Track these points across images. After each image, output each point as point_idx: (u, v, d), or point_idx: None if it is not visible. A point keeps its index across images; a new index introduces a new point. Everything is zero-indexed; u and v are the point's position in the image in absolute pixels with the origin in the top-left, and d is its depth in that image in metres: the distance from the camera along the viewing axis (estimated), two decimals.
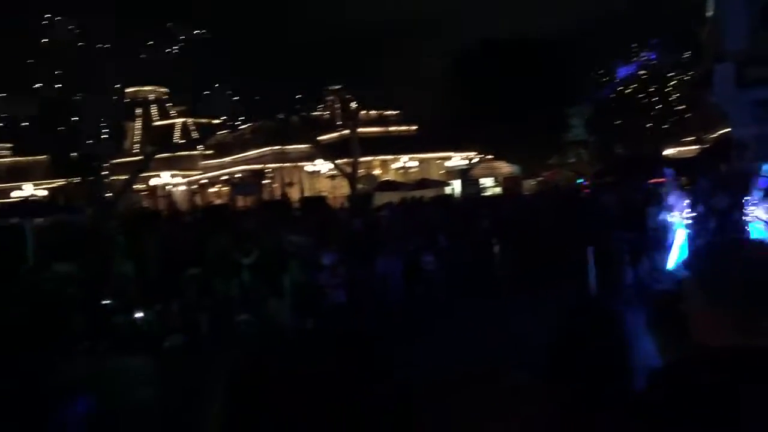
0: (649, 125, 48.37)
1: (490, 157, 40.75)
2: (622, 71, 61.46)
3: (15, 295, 10.02)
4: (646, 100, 50.76)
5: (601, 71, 65.26)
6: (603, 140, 47.75)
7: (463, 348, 7.38)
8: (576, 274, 11.88)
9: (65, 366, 2.88)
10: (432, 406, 1.57)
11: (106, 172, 20.21)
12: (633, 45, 77.78)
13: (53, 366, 2.91)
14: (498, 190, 39.36)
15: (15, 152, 54.97)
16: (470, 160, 42.41)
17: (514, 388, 1.54)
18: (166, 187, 48.95)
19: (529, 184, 37.69)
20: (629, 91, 52.38)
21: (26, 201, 29.31)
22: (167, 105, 53.49)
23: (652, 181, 17.31)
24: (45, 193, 46.23)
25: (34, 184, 47.85)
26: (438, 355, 7.56)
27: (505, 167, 40.57)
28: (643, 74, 54.35)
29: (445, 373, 1.64)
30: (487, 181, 40.85)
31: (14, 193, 43.34)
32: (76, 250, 15.53)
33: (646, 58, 65.54)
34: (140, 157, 34.90)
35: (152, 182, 46.86)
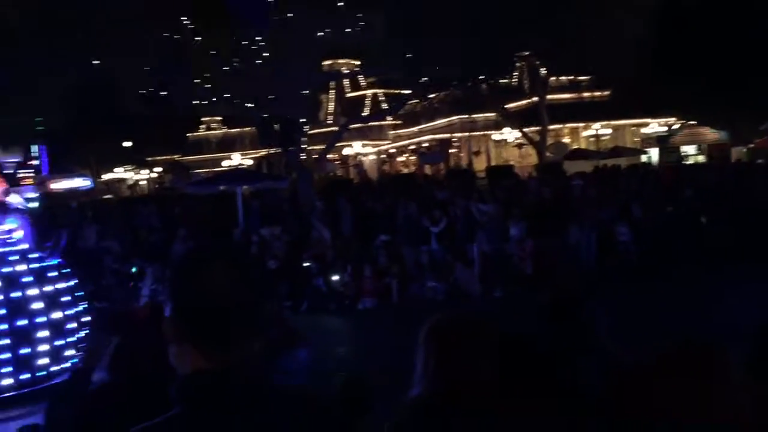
0: None
1: (692, 123, 37.73)
2: None
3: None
4: None
5: None
6: None
7: (662, 325, 6.96)
8: None
9: (285, 321, 3.16)
10: (641, 384, 1.54)
11: (305, 142, 21.49)
12: None
13: (278, 321, 3.23)
14: (701, 158, 36.39)
15: (225, 125, 60.10)
16: (669, 126, 39.54)
17: (725, 371, 1.48)
18: (357, 157, 50.93)
19: (739, 152, 34.41)
20: None
21: (235, 170, 31.98)
22: (359, 77, 55.39)
23: None
24: (251, 162, 50.17)
25: (242, 154, 52.07)
26: (633, 331, 7.21)
27: (710, 134, 37.34)
28: None
29: (649, 350, 1.59)
30: (689, 149, 37.89)
31: (224, 162, 47.49)
32: (279, 216, 16.75)
33: None
34: (334, 128, 36.61)
35: (344, 152, 48.98)
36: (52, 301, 7.72)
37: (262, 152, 51.78)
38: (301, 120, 19.56)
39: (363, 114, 45.94)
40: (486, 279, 12.35)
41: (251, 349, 1.37)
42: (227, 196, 19.42)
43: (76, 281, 8.24)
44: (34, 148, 65.88)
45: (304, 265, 12.86)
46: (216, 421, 1.30)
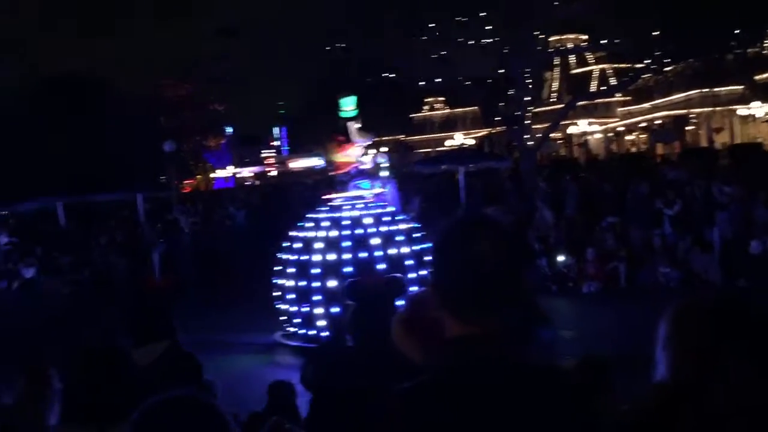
0: None
1: None
2: None
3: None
4: None
5: None
6: None
7: None
8: None
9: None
10: None
11: (528, 121, 21.13)
12: None
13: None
14: None
15: (448, 105, 61.00)
16: None
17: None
18: (583, 136, 48.99)
19: None
20: None
21: (458, 149, 32.41)
22: (585, 52, 53.05)
23: None
24: (472, 141, 50.48)
25: (464, 134, 52.57)
26: None
27: None
28: None
29: None
30: None
31: (447, 142, 48.30)
32: (502, 196, 16.69)
33: None
34: (559, 106, 35.51)
35: (569, 130, 47.36)
36: (420, 260, 8.78)
37: (485, 131, 51.83)
38: (525, 98, 19.21)
39: (590, 91, 44.02)
40: (727, 266, 11.32)
41: (509, 319, 1.40)
42: (450, 175, 19.78)
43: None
44: (276, 130, 72.27)
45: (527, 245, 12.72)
46: (467, 387, 1.34)
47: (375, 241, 8.92)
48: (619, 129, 52.25)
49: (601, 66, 51.33)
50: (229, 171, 59.94)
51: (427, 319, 1.53)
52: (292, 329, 9.33)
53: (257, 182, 56.92)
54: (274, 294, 9.64)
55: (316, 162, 62.72)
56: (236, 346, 9.56)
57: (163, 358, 3.34)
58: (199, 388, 2.93)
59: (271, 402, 4.76)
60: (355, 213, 9.32)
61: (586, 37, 55.35)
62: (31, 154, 39.16)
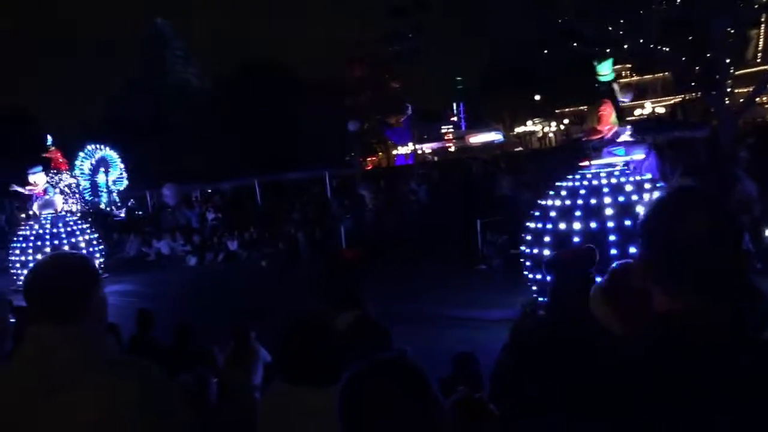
0: None
1: None
2: None
3: None
4: None
5: None
6: None
7: None
8: None
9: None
10: None
11: (729, 85, 19.33)
12: None
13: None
14: None
15: (637, 72, 57.51)
16: None
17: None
18: None
19: None
20: None
21: (648, 119, 30.55)
22: None
23: None
24: (663, 110, 47.29)
25: (653, 102, 49.41)
26: None
27: None
28: None
29: None
30: None
31: (636, 111, 45.64)
32: (697, 167, 15.51)
33: None
34: (764, 67, 32.14)
35: None
36: None
37: (678, 99, 48.39)
38: (726, 60, 17.51)
39: None
40: None
41: (722, 296, 1.34)
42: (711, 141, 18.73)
43: None
44: (454, 106, 72.45)
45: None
46: (677, 361, 1.30)
47: (608, 211, 8.84)
48: None
49: None
50: (409, 148, 61.20)
51: (629, 290, 1.50)
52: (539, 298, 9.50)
53: (435, 158, 57.58)
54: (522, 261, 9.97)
55: (494, 137, 62.17)
56: (417, 319, 9.84)
57: (354, 327, 3.52)
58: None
59: (455, 371, 4.87)
60: (594, 182, 9.30)
61: None
62: (231, 137, 42.57)
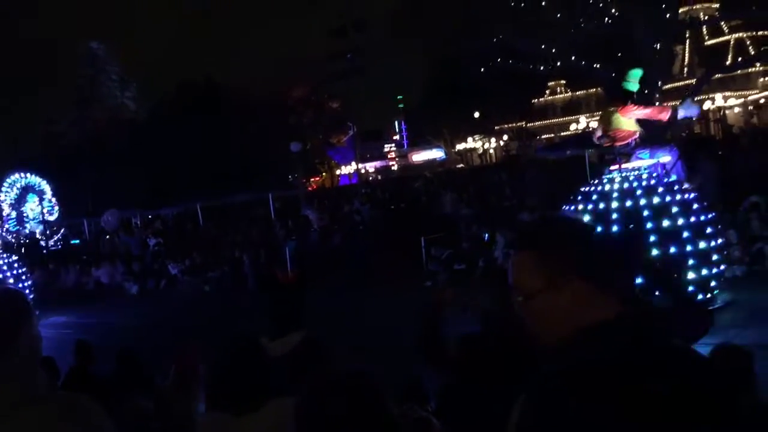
0: None
1: None
2: None
3: None
4: None
5: None
6: None
7: None
8: None
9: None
10: None
11: (658, 99, 20.02)
12: None
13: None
14: None
15: (571, 88, 59.07)
16: None
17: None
18: (720, 111, 45.95)
19: None
20: None
21: (583, 133, 31.43)
22: (719, 22, 49.66)
23: None
24: (595, 125, 48.64)
25: (588, 116, 50.80)
26: None
27: None
28: None
29: None
30: None
31: (572, 126, 46.83)
32: None
33: None
34: (690, 81, 33.48)
35: (704, 106, 44.56)
36: (697, 232, 8.78)
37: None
38: (654, 74, 18.16)
39: (726, 63, 41.20)
40: None
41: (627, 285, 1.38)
42: (575, 160, 19.25)
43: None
44: (396, 124, 72.97)
45: None
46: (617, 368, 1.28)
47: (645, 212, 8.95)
48: (761, 101, 48.60)
49: (738, 35, 47.98)
50: (352, 167, 61.30)
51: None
52: None
53: (379, 177, 57.76)
54: None
55: (436, 154, 62.74)
56: (364, 338, 9.77)
57: (300, 347, 3.49)
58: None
59: (407, 392, 4.81)
60: (625, 185, 9.40)
61: (717, 5, 51.87)
62: (170, 160, 41.81)
